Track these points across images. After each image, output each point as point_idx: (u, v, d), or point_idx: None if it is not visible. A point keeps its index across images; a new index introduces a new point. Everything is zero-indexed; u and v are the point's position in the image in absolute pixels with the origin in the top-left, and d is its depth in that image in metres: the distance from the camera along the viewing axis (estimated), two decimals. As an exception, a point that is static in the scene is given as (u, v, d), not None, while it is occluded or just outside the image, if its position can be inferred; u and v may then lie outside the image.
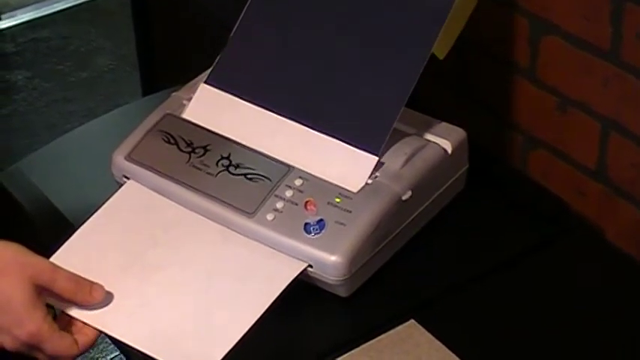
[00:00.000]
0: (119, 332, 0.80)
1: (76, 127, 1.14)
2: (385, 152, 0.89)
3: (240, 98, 0.94)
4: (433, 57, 0.91)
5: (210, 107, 0.95)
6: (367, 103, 0.90)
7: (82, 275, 0.80)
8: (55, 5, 2.49)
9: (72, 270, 0.80)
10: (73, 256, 0.85)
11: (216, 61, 0.97)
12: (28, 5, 2.49)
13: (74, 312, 0.80)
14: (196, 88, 0.97)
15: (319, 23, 0.95)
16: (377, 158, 0.88)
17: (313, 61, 0.94)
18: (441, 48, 0.94)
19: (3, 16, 2.46)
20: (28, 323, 0.75)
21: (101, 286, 0.81)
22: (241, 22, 0.97)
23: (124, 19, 2.21)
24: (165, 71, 1.74)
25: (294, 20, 0.96)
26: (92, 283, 0.80)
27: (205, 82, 0.97)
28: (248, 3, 0.98)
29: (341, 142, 0.89)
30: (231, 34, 0.97)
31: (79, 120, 2.12)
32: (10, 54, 2.36)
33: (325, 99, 0.92)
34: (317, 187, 0.88)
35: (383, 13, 0.93)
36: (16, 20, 2.45)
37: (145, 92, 1.82)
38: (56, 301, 0.80)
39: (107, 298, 0.81)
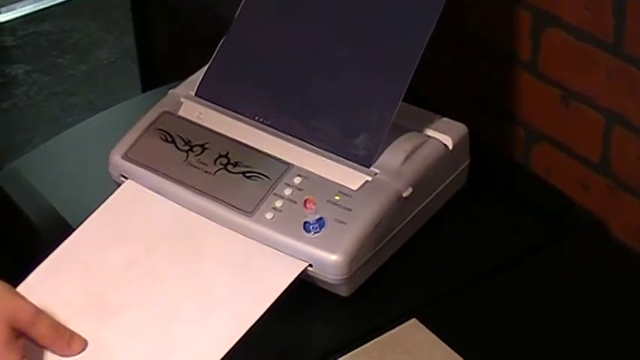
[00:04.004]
0: None
1: (77, 121, 1.13)
2: (384, 149, 0.88)
3: (230, 110, 0.93)
4: (433, 52, 0.90)
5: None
6: (359, 113, 0.89)
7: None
8: (54, -2, 2.48)
9: (45, 293, 0.79)
10: (45, 280, 0.83)
11: (204, 72, 0.96)
12: (27, -2, 2.48)
13: None
14: (194, 86, 0.97)
15: (308, 31, 0.93)
16: (370, 177, 0.86)
17: (303, 71, 0.92)
18: None
19: (2, 10, 2.45)
20: None
21: (81, 338, 0.78)
22: (230, 32, 0.97)
23: (123, 11, 2.20)
24: (165, 64, 1.73)
25: (283, 30, 0.95)
26: (72, 333, 0.78)
27: (196, 94, 0.96)
28: (237, 12, 0.97)
29: (332, 159, 0.88)
30: (220, 44, 0.96)
31: (80, 113, 2.12)
32: (9, 47, 2.35)
33: (316, 110, 0.91)
34: (316, 185, 0.87)
35: (372, 18, 0.91)
36: (15, 13, 2.44)
37: (145, 85, 1.81)
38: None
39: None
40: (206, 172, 0.89)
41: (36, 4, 2.46)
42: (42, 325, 0.77)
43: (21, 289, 0.81)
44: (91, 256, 0.86)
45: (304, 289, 0.84)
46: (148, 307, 0.82)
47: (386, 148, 0.88)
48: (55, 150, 1.07)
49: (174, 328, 0.80)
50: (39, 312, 0.77)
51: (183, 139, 0.92)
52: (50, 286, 0.83)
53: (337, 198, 0.85)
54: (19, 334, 0.76)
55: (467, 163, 0.95)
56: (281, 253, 0.84)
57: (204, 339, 0.79)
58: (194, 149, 0.91)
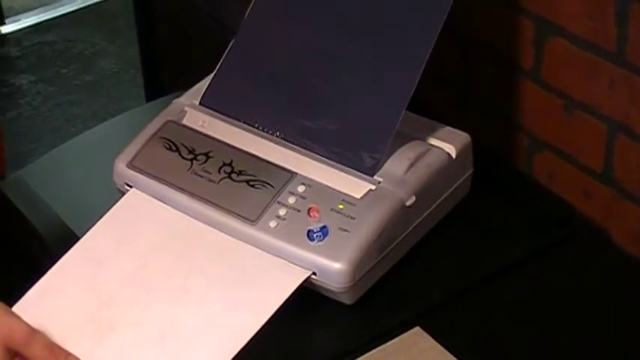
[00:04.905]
0: None
1: (80, 131, 1.13)
2: (388, 158, 0.88)
3: (234, 119, 0.94)
4: (436, 61, 0.90)
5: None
6: (363, 122, 0.90)
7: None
8: (59, 9, 2.49)
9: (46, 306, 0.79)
10: (41, 299, 0.83)
11: (209, 81, 0.97)
12: (32, 9, 2.49)
13: None
14: (198, 95, 0.97)
15: (312, 41, 0.94)
16: (374, 186, 0.87)
17: (307, 80, 0.93)
18: None
19: (7, 21, 2.46)
20: None
21: (76, 358, 0.77)
22: (235, 41, 0.97)
23: (127, 21, 2.21)
24: (169, 73, 1.74)
25: (288, 39, 0.95)
26: (67, 353, 0.77)
27: (200, 103, 0.96)
28: (242, 22, 0.97)
29: (336, 167, 0.88)
30: (225, 53, 0.97)
31: (84, 123, 2.12)
32: (14, 58, 2.36)
33: (320, 119, 0.91)
34: (320, 193, 0.87)
35: (376, 30, 0.92)
36: (20, 24, 2.45)
37: (149, 95, 1.82)
38: None
39: None
40: (210, 180, 0.90)
41: (40, 15, 2.48)
42: (37, 346, 0.75)
43: (17, 307, 0.81)
44: (89, 272, 0.86)
45: (308, 297, 0.84)
46: (146, 324, 0.81)
47: (389, 156, 0.89)
48: (60, 159, 1.07)
49: (171, 344, 0.80)
50: (34, 332, 0.76)
51: (187, 147, 0.93)
52: (46, 304, 0.83)
53: (341, 206, 0.86)
54: (13, 354, 0.75)
55: (470, 171, 0.95)
56: (284, 261, 0.85)
57: (201, 353, 0.79)
58: (198, 158, 0.91)
